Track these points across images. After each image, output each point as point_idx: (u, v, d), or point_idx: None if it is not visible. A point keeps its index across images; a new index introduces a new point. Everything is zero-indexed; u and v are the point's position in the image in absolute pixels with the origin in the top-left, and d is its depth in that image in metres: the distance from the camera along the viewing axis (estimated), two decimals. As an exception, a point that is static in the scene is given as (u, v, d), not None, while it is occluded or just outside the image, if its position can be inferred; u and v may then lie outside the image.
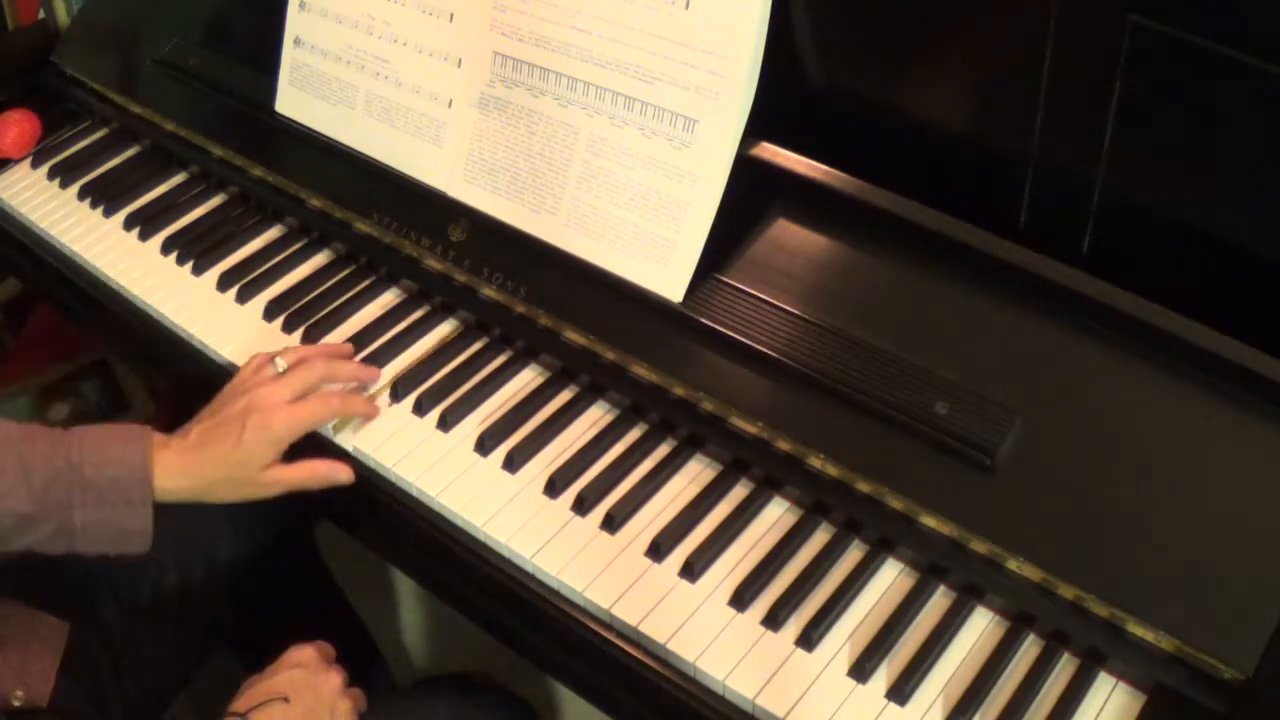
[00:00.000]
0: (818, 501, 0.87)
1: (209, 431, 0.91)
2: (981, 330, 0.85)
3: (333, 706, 0.88)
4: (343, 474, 0.93)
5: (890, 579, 0.84)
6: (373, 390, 1.00)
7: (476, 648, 1.30)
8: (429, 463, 0.93)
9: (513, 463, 0.92)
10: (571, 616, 0.84)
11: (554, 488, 0.90)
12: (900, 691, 0.77)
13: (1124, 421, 0.79)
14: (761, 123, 0.91)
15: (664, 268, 0.94)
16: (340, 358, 0.99)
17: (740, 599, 0.82)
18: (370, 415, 0.97)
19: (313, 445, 0.96)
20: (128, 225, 1.21)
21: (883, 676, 0.78)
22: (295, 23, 1.17)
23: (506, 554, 0.88)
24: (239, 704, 0.86)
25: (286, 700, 0.85)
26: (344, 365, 0.98)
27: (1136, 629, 0.75)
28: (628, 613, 0.82)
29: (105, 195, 1.25)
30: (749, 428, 0.89)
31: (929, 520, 0.82)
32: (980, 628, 0.81)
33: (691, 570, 0.84)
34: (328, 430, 0.96)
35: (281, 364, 0.95)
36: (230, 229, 1.19)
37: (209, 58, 1.26)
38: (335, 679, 0.90)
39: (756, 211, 0.94)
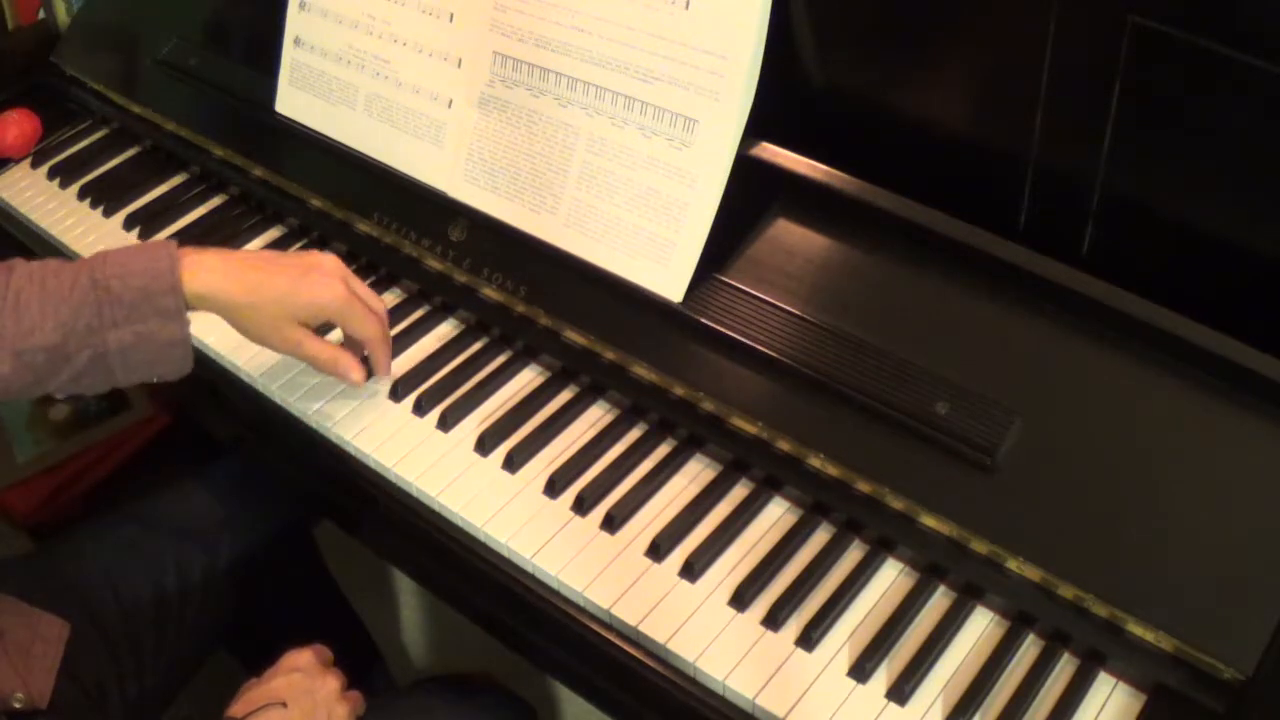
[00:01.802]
0: (818, 501, 0.87)
1: (265, 259, 0.92)
2: (981, 330, 0.85)
3: (331, 710, 0.88)
4: (356, 375, 0.95)
5: (890, 579, 0.84)
6: (376, 385, 1.00)
7: (476, 648, 1.30)
8: (429, 463, 0.93)
9: (513, 463, 0.92)
10: (571, 616, 0.84)
11: (554, 488, 0.90)
12: (900, 691, 0.77)
13: (1124, 421, 0.79)
14: (761, 123, 0.91)
15: (664, 268, 0.94)
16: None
17: (740, 599, 0.82)
18: (352, 382, 0.97)
19: (304, 436, 0.96)
20: (128, 225, 1.21)
21: (883, 676, 0.78)
22: (295, 22, 1.17)
23: (506, 554, 0.88)
24: (236, 709, 0.85)
25: (284, 705, 0.85)
26: (387, 331, 0.98)
27: (1136, 629, 0.75)
28: (628, 613, 0.82)
29: (105, 195, 1.25)
30: (749, 428, 0.89)
31: (929, 520, 0.82)
32: (980, 628, 0.81)
33: (691, 570, 0.84)
34: (328, 426, 0.97)
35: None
36: (230, 229, 1.19)
37: (209, 58, 1.26)
38: (333, 682, 0.90)
39: (756, 211, 0.94)
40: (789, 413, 0.87)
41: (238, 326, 0.92)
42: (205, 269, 0.88)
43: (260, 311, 0.90)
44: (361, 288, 0.96)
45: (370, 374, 0.98)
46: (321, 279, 0.91)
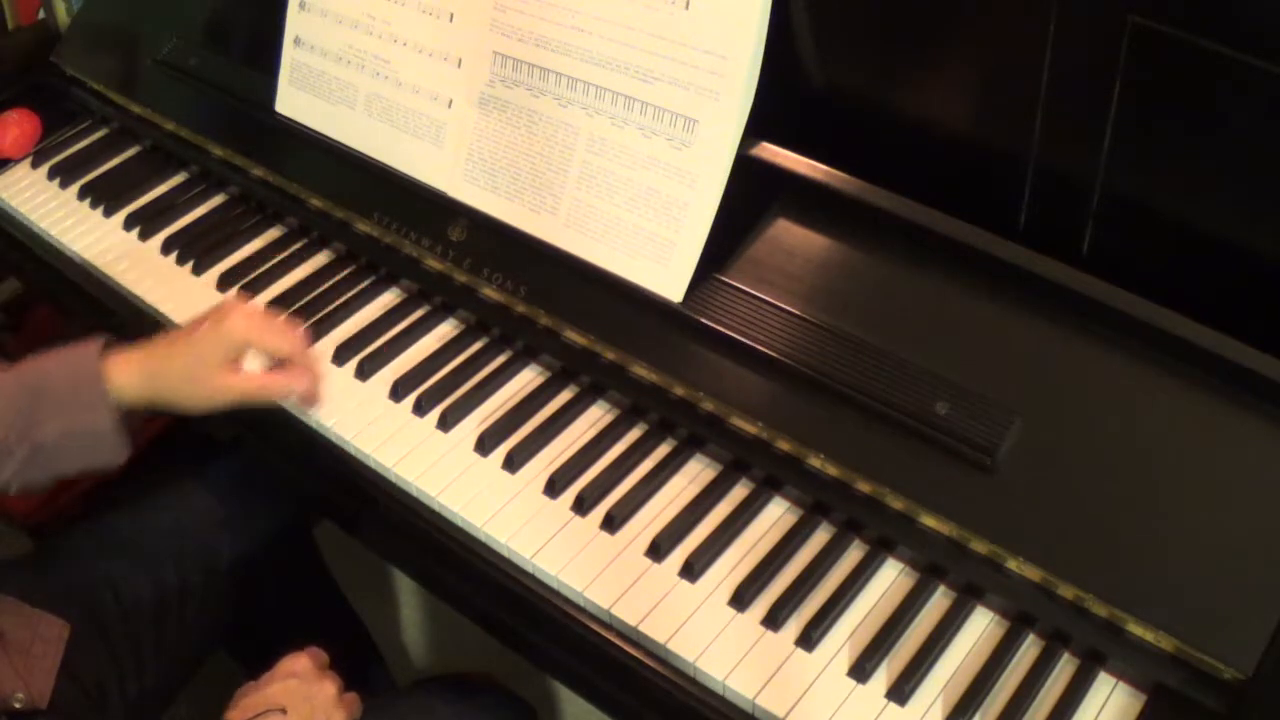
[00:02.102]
0: (818, 501, 0.87)
1: (169, 334, 0.95)
2: (981, 330, 0.85)
3: (329, 715, 0.87)
4: (299, 384, 0.95)
5: (890, 579, 0.84)
6: (375, 385, 0.99)
7: (476, 648, 1.30)
8: (429, 463, 0.93)
9: (513, 463, 0.92)
10: (571, 616, 0.84)
11: (554, 488, 0.90)
12: (900, 691, 0.77)
13: (1124, 421, 0.79)
14: (761, 123, 0.91)
15: (664, 268, 0.94)
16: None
17: (740, 599, 0.82)
18: (296, 392, 0.96)
19: (304, 436, 0.95)
20: (128, 225, 1.21)
21: (883, 676, 0.78)
22: (295, 22, 1.17)
23: (506, 554, 0.88)
24: (233, 714, 0.85)
25: (283, 711, 0.85)
26: (305, 347, 0.97)
27: (1136, 629, 0.75)
28: (628, 613, 0.82)
29: (105, 195, 1.25)
30: (749, 428, 0.89)
31: (929, 520, 0.82)
32: (980, 628, 0.81)
33: (691, 570, 0.84)
34: (328, 425, 0.97)
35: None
36: (230, 229, 1.19)
37: (209, 58, 1.26)
38: (330, 687, 0.90)
39: (756, 211, 0.94)
40: (789, 413, 0.87)
41: (175, 399, 0.93)
42: (124, 360, 0.92)
43: (180, 379, 0.92)
44: (266, 313, 0.97)
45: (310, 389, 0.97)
46: (222, 314, 0.92)
